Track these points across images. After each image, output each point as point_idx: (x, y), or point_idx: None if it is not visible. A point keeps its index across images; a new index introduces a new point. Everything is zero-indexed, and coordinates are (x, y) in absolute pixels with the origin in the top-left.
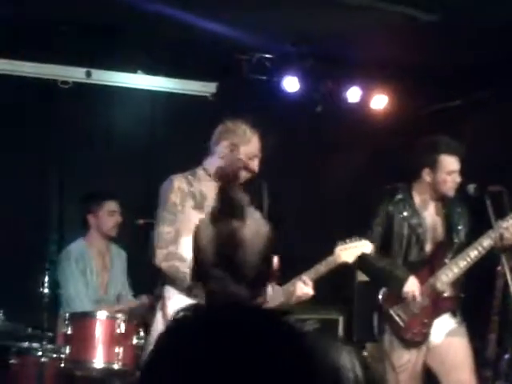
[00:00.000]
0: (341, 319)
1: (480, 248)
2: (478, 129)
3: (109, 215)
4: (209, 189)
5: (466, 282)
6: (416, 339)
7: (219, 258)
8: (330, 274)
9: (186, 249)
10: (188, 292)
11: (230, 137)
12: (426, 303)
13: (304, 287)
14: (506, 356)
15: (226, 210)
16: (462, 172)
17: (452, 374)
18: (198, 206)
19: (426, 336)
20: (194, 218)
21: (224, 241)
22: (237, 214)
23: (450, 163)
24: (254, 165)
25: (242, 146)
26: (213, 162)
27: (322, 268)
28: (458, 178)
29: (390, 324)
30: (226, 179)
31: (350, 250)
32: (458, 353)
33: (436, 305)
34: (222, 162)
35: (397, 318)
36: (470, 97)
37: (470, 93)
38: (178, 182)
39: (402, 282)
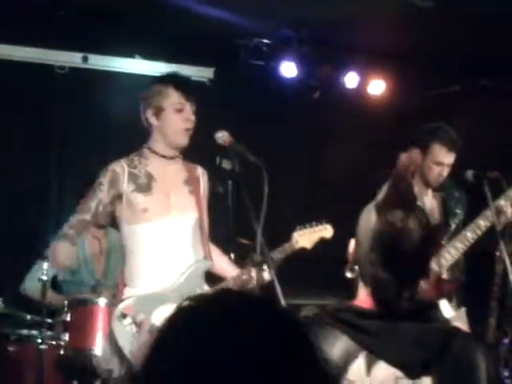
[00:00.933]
0: None
1: (477, 229)
2: (476, 115)
3: None
4: (158, 168)
5: (466, 266)
6: None
7: (377, 244)
8: (326, 258)
9: (141, 237)
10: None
11: (149, 103)
12: (426, 287)
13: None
14: (506, 341)
15: (393, 202)
16: (461, 159)
17: None
18: (143, 189)
19: None
20: (139, 202)
21: (387, 228)
22: (405, 206)
23: (440, 154)
24: (188, 114)
25: (164, 103)
26: (153, 138)
27: (277, 255)
28: (445, 172)
29: None
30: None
31: (309, 236)
32: None
33: (436, 288)
34: (160, 134)
35: None
36: (468, 83)
37: (468, 79)
38: (114, 166)
39: None
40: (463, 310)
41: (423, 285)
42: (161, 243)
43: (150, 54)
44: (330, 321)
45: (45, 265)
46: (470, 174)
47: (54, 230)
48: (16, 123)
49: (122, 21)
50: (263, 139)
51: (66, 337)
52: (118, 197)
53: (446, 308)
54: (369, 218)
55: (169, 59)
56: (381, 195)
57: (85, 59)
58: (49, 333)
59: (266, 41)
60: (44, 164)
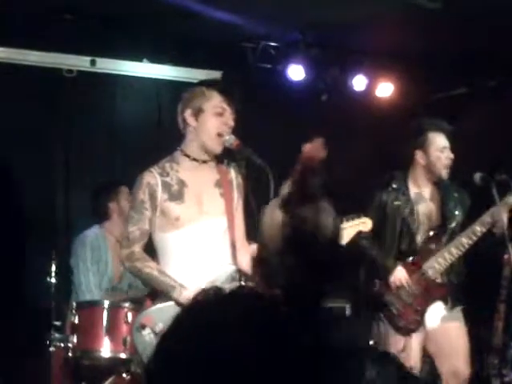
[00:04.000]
0: (347, 307)
1: (472, 235)
2: (484, 116)
3: (127, 200)
4: (188, 172)
5: (463, 269)
6: (410, 327)
7: (289, 245)
8: None
9: (172, 245)
10: (151, 295)
11: (190, 104)
12: (418, 291)
13: None
14: None
15: (298, 197)
16: (468, 161)
17: (447, 361)
18: (175, 197)
19: (419, 323)
20: (171, 210)
21: (296, 226)
22: (309, 200)
23: (439, 140)
24: (227, 119)
25: (204, 104)
26: (188, 140)
27: None
28: (450, 155)
29: (384, 312)
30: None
31: (345, 231)
32: (453, 340)
33: (429, 292)
34: (196, 136)
35: (391, 307)
36: (476, 84)
37: (476, 80)
38: (148, 178)
39: (389, 272)
40: (459, 309)
41: (415, 290)
42: (190, 249)
43: (158, 58)
44: None
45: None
46: (477, 176)
47: (62, 232)
48: (24, 126)
49: (130, 24)
50: (271, 142)
51: (74, 339)
52: (156, 208)
53: (440, 309)
54: (273, 215)
55: (177, 63)
56: (285, 190)
57: (93, 63)
58: (57, 335)
59: (273, 44)
60: (50, 167)
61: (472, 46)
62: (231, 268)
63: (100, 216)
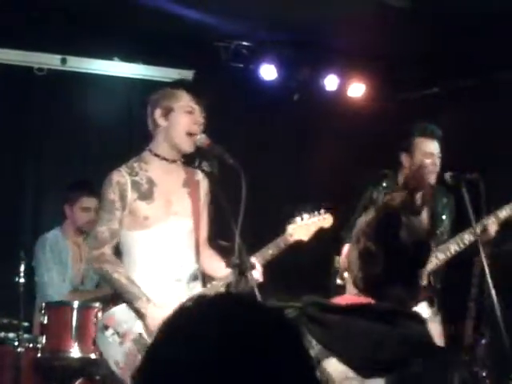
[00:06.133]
0: None
1: (460, 242)
2: (455, 116)
3: (82, 211)
4: (158, 172)
5: (445, 273)
6: None
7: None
8: (306, 262)
9: (139, 244)
10: (116, 298)
11: (159, 104)
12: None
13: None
14: (483, 341)
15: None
16: (441, 160)
17: None
18: (145, 196)
19: None
20: (141, 210)
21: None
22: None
23: (426, 145)
24: (197, 118)
25: (174, 104)
26: (158, 140)
27: (269, 251)
28: (437, 161)
29: None
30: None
31: (306, 227)
32: (435, 338)
33: None
34: (166, 136)
35: None
36: (447, 84)
37: (447, 80)
38: (117, 177)
39: None
40: (439, 313)
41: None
42: (156, 248)
43: (129, 57)
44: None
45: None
46: (448, 176)
47: (30, 232)
48: None
49: (101, 23)
50: (243, 141)
51: (43, 339)
52: (125, 207)
53: (425, 310)
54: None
55: (148, 61)
56: (396, 200)
57: (63, 61)
58: (26, 335)
59: (245, 43)
60: (20, 167)
61: (442, 46)
62: (194, 267)
63: (61, 216)
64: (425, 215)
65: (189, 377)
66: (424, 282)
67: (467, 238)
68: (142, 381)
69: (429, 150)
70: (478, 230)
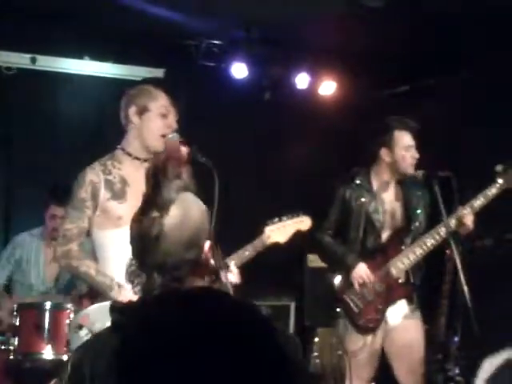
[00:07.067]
0: (292, 305)
1: (437, 236)
2: (426, 114)
3: (50, 218)
4: (130, 171)
5: (424, 270)
6: (369, 325)
7: (140, 253)
8: (280, 260)
9: (112, 243)
10: (89, 295)
11: (135, 101)
12: (381, 289)
13: (228, 274)
14: (456, 339)
15: (148, 201)
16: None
17: (404, 353)
18: (118, 196)
19: (379, 322)
20: (114, 209)
21: (143, 234)
22: (158, 204)
23: (405, 138)
24: (171, 121)
25: (150, 103)
26: (129, 138)
27: (246, 253)
28: (416, 154)
29: (344, 310)
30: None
31: (283, 229)
32: (413, 334)
33: (391, 291)
34: (138, 134)
35: (351, 304)
36: (418, 83)
37: (418, 79)
38: (91, 175)
39: (351, 268)
40: (419, 310)
41: (378, 288)
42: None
43: (100, 55)
44: None
45: None
46: (419, 173)
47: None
48: None
49: (70, 21)
50: (214, 140)
51: (15, 341)
52: (97, 206)
53: (403, 307)
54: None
55: (119, 60)
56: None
57: (33, 60)
58: None
59: (216, 42)
60: None
61: (413, 44)
62: None
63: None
64: (399, 212)
65: (160, 365)
66: (402, 280)
67: (443, 230)
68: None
69: (408, 143)
70: (453, 223)
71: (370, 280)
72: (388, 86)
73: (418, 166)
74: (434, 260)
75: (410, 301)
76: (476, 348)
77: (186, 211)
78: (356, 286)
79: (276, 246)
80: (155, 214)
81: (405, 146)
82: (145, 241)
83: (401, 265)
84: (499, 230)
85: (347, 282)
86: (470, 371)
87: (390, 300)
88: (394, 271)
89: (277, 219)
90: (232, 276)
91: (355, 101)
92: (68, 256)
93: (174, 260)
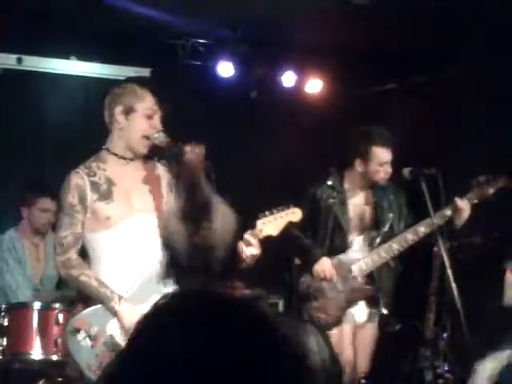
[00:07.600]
0: (281, 303)
1: (404, 243)
2: (413, 112)
3: (41, 211)
4: (116, 171)
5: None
6: (328, 322)
7: (192, 260)
8: (268, 257)
9: (103, 244)
10: (86, 302)
11: (121, 100)
12: (344, 288)
13: (248, 249)
14: (444, 335)
15: (193, 210)
16: (398, 156)
17: (359, 350)
18: (105, 196)
19: (339, 320)
20: (102, 210)
21: (196, 245)
22: (205, 213)
23: (383, 155)
24: (156, 122)
25: (136, 104)
26: (114, 138)
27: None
28: (389, 169)
29: (307, 305)
30: (188, 176)
31: (275, 222)
32: (368, 338)
33: (353, 292)
34: (123, 134)
35: (312, 300)
36: (405, 81)
37: (405, 77)
38: (76, 179)
39: (315, 260)
40: (378, 313)
41: (340, 286)
42: (122, 247)
43: (86, 55)
44: None
45: None
46: (406, 171)
47: None
48: None
49: (57, 22)
50: (200, 139)
51: (4, 341)
52: (86, 209)
53: (366, 308)
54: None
55: (105, 60)
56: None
57: (19, 60)
58: None
59: (202, 41)
60: None
61: (400, 43)
62: (163, 263)
63: (15, 217)
64: (369, 215)
65: (175, 375)
66: (363, 281)
67: (411, 237)
68: (121, 380)
69: (385, 160)
70: (438, 220)
71: (331, 276)
72: (375, 83)
73: (405, 164)
74: (422, 257)
75: (370, 303)
76: (464, 344)
77: (225, 218)
78: (317, 278)
79: (269, 238)
80: (207, 225)
81: (380, 162)
82: (200, 251)
83: (364, 266)
84: (487, 228)
85: (313, 277)
86: (459, 367)
87: (352, 300)
88: (356, 272)
89: (268, 212)
90: (252, 249)
91: (342, 99)
92: (67, 265)
93: (219, 265)
